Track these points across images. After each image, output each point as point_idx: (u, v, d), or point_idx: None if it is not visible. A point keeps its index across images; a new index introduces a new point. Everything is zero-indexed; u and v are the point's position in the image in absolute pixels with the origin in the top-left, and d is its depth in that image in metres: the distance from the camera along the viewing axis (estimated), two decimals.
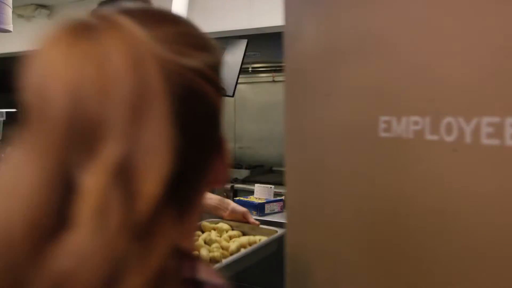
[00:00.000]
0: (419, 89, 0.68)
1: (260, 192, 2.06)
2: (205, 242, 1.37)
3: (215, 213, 1.58)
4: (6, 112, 1.67)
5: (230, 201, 1.61)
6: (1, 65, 5.30)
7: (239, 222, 1.54)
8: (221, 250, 1.33)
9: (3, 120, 1.66)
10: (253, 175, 4.03)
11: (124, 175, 0.30)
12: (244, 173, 4.04)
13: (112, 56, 0.31)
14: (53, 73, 0.31)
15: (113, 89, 0.31)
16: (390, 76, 0.71)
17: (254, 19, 2.53)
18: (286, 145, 0.84)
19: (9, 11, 1.34)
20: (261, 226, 1.55)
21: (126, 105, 0.31)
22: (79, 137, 0.30)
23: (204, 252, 1.27)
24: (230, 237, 1.45)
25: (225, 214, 1.56)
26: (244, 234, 1.52)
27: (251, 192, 2.10)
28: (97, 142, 0.30)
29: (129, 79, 0.31)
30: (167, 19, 0.41)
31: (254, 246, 1.39)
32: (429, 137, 0.66)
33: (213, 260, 1.26)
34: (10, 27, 1.35)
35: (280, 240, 1.49)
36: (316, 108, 0.80)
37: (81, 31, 0.32)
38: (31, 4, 3.22)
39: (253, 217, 1.58)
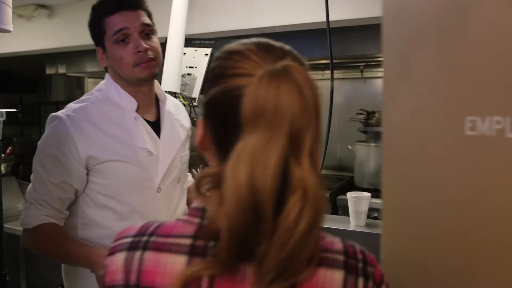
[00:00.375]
0: (501, 92, 0.77)
1: None
2: None
3: None
4: (6, 112, 1.67)
5: None
6: (1, 65, 5.27)
7: None
8: None
9: (3, 120, 1.66)
10: None
11: (312, 159, 0.56)
12: None
13: (304, 89, 0.56)
14: (280, 100, 0.54)
15: (309, 106, 0.56)
16: (476, 79, 0.80)
17: (254, 19, 2.53)
18: (384, 145, 0.90)
19: (9, 11, 1.34)
20: None
21: (314, 115, 0.57)
22: (292, 137, 0.55)
23: None
24: None
25: None
26: None
27: None
28: (301, 141, 0.55)
29: (314, 100, 0.57)
30: (295, 53, 0.66)
31: None
32: (510, 135, 0.76)
33: None
34: (10, 27, 1.35)
35: None
36: (410, 109, 0.88)
37: (282, 74, 0.56)
38: (31, 4, 3.22)
39: None
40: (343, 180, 3.62)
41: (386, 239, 0.90)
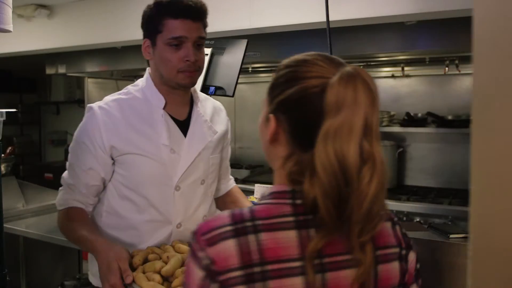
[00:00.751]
0: None
1: (260, 192, 2.06)
2: None
3: None
4: (6, 112, 1.67)
5: None
6: (1, 65, 5.25)
7: None
8: None
9: (3, 120, 1.66)
10: (253, 175, 4.02)
11: (377, 138, 0.73)
12: (244, 173, 4.04)
13: (370, 85, 0.73)
14: (357, 94, 0.72)
15: (374, 98, 0.73)
16: None
17: (254, 19, 2.54)
18: (473, 145, 0.93)
19: (9, 11, 1.34)
20: None
21: (377, 105, 0.73)
22: (366, 124, 0.71)
23: None
24: None
25: None
26: None
27: (251, 192, 2.10)
28: (370, 124, 0.72)
29: (377, 94, 0.74)
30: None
31: None
32: None
33: None
34: (10, 27, 1.35)
35: None
36: (500, 108, 0.91)
37: (356, 75, 0.73)
38: (31, 4, 3.22)
39: None
40: None
41: (474, 236, 0.92)
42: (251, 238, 0.73)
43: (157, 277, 1.15)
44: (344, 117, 0.71)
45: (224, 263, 0.72)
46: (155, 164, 1.34)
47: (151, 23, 1.34)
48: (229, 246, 0.72)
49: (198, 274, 0.73)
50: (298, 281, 0.73)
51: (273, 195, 0.79)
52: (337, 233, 0.73)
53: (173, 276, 1.17)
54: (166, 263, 1.20)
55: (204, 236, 0.74)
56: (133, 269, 1.17)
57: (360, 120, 0.71)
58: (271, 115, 0.81)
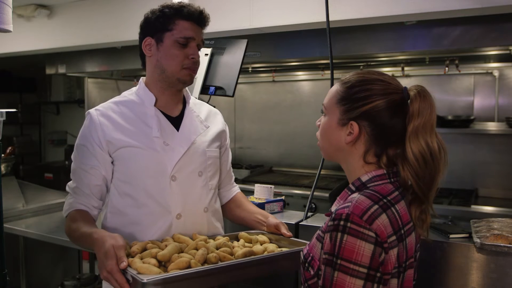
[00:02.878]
0: None
1: (260, 192, 2.06)
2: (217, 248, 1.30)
3: (258, 229, 1.56)
4: (6, 112, 1.67)
5: (268, 214, 1.58)
6: (1, 65, 5.25)
7: (276, 234, 1.48)
8: (227, 254, 1.24)
9: (3, 120, 1.66)
10: (253, 175, 4.03)
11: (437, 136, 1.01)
12: (244, 173, 4.04)
13: (432, 96, 1.00)
14: (431, 105, 0.98)
15: (435, 107, 0.99)
16: None
17: (254, 19, 2.54)
18: None
19: (9, 11, 1.34)
20: (295, 239, 1.44)
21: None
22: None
23: (200, 251, 1.21)
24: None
25: (265, 228, 1.53)
26: (280, 248, 1.42)
27: (251, 192, 2.10)
28: (434, 125, 0.98)
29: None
30: None
31: (260, 256, 1.28)
32: None
33: (209, 261, 1.20)
34: (10, 27, 1.35)
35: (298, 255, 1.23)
36: None
37: (425, 91, 0.99)
38: (31, 4, 3.22)
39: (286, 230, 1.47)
40: (343, 180, 3.61)
41: None
42: (393, 210, 0.96)
43: (153, 261, 1.15)
44: (425, 118, 0.96)
45: (384, 233, 0.91)
46: (149, 154, 1.41)
47: (161, 22, 1.43)
48: (384, 219, 0.92)
49: (368, 247, 0.89)
50: (413, 235, 1.01)
51: (375, 178, 1.01)
52: (425, 204, 0.99)
53: (169, 261, 1.18)
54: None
55: (363, 218, 0.91)
56: (132, 257, 1.18)
57: (434, 119, 0.97)
58: (354, 122, 1.00)
